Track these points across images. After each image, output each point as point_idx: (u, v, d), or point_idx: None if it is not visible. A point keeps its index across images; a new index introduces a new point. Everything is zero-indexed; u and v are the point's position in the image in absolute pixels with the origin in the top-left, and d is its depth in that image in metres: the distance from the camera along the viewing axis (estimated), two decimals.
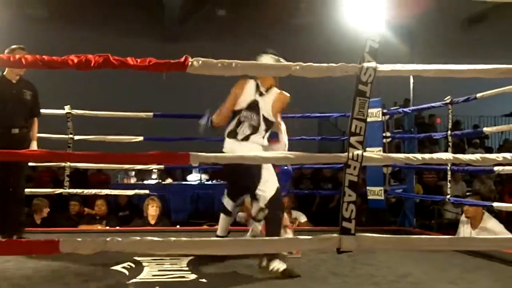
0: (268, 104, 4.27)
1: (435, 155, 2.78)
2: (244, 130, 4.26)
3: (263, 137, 4.31)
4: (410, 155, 2.66)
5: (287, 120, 7.35)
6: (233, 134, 4.29)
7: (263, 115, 4.26)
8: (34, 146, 5.07)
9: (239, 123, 4.29)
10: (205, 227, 6.96)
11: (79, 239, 2.35)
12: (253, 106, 4.27)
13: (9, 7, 12.06)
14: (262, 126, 4.26)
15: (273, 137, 4.84)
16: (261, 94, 4.28)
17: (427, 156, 2.71)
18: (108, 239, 2.37)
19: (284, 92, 4.33)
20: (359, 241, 2.48)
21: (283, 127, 4.69)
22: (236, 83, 4.31)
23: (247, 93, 4.29)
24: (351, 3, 8.35)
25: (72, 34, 12.93)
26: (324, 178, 9.85)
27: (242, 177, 4.19)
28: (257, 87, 4.28)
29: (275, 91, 4.29)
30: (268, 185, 4.13)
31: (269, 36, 12.85)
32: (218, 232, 4.81)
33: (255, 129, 4.25)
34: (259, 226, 4.67)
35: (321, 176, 9.96)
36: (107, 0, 13.23)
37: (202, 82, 7.45)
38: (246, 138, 4.24)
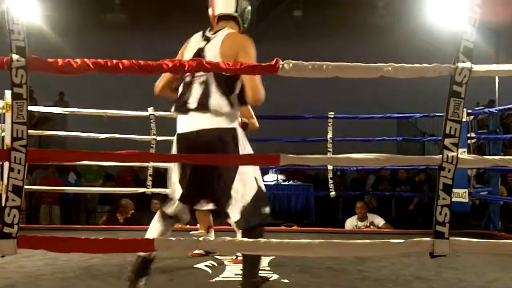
0: (214, 48, 3.04)
1: None
2: (194, 92, 3.02)
3: (228, 102, 2.97)
4: (507, 158, 2.58)
5: (367, 121, 7.39)
6: (183, 106, 3.07)
7: None
8: None
9: (185, 87, 3.09)
10: (283, 227, 6.99)
11: (173, 239, 2.41)
12: (199, 54, 3.09)
13: (89, 13, 12.58)
14: (213, 85, 2.98)
15: None
16: (207, 40, 3.12)
17: None
18: (200, 238, 2.43)
19: (238, 33, 3.18)
20: (453, 245, 2.43)
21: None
22: None
23: (191, 45, 3.18)
24: (430, 2, 8.20)
25: (149, 38, 13.29)
26: (400, 180, 9.70)
27: (206, 176, 2.97)
28: (203, 34, 3.18)
29: (225, 31, 3.12)
30: (247, 190, 2.96)
31: (346, 36, 12.76)
32: None
33: (206, 88, 2.99)
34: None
35: (397, 178, 9.81)
36: (184, 5, 13.51)
37: None
38: (203, 106, 2.98)
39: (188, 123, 3.04)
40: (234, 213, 2.94)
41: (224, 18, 3.19)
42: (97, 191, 9.28)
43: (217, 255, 4.44)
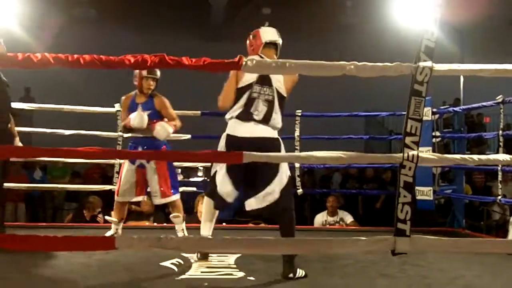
0: (279, 76, 3.73)
1: (491, 156, 2.73)
2: (259, 108, 3.72)
3: (280, 119, 3.83)
4: (467, 156, 2.61)
5: (333, 118, 7.43)
6: (246, 115, 3.73)
7: (276, 88, 3.74)
8: (18, 142, 4.90)
9: (250, 101, 3.72)
10: (250, 225, 6.98)
11: (135, 237, 2.38)
12: (265, 77, 3.69)
13: (57, 8, 12.39)
14: (276, 104, 3.75)
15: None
16: None
17: (483, 157, 2.66)
18: (162, 236, 2.40)
19: None
20: (414, 243, 2.45)
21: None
22: None
23: None
24: (398, 2, 8.27)
25: (118, 34, 13.17)
26: (367, 178, 9.75)
27: (257, 171, 3.64)
28: (261, 58, 3.70)
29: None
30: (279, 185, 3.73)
31: (315, 34, 12.79)
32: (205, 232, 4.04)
33: (271, 105, 3.73)
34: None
35: (364, 176, 9.86)
36: (153, 0, 13.42)
37: None
38: (266, 120, 3.73)
39: (249, 129, 3.70)
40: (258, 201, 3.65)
41: (269, 45, 3.87)
42: (63, 188, 9.13)
43: (185, 253, 4.40)
